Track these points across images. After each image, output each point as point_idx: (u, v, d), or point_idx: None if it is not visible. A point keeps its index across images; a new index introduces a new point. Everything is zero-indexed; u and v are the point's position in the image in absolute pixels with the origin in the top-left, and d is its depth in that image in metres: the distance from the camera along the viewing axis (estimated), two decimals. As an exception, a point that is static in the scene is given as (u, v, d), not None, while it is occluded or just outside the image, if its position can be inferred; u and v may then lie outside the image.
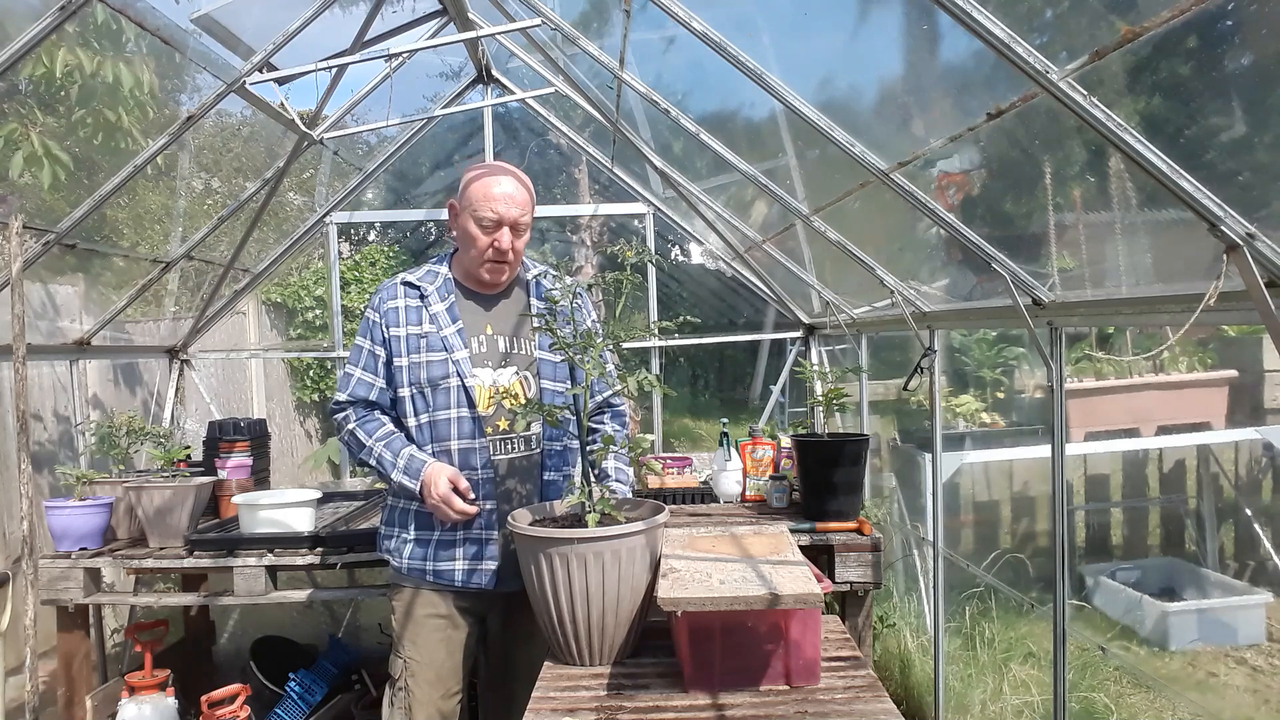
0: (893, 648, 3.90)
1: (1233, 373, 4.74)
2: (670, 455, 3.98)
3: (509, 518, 2.02)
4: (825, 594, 1.78)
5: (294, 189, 5.21)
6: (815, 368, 4.40)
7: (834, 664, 1.90)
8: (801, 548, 2.11)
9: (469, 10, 3.24)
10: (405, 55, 3.50)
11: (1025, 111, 1.74)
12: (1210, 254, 1.49)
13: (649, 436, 4.66)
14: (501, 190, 2.20)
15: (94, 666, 3.21)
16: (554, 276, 2.36)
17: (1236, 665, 4.09)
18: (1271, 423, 4.85)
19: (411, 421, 2.24)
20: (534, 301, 2.36)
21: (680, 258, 7.28)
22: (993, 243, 2.21)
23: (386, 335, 2.26)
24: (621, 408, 2.49)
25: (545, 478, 2.29)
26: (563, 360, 2.19)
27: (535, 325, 2.27)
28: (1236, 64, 1.43)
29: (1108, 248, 2.08)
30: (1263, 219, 1.43)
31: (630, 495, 2.28)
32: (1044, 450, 2.43)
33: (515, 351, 2.31)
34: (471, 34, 3.17)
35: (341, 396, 2.29)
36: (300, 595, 3.11)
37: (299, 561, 2.95)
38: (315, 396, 7.02)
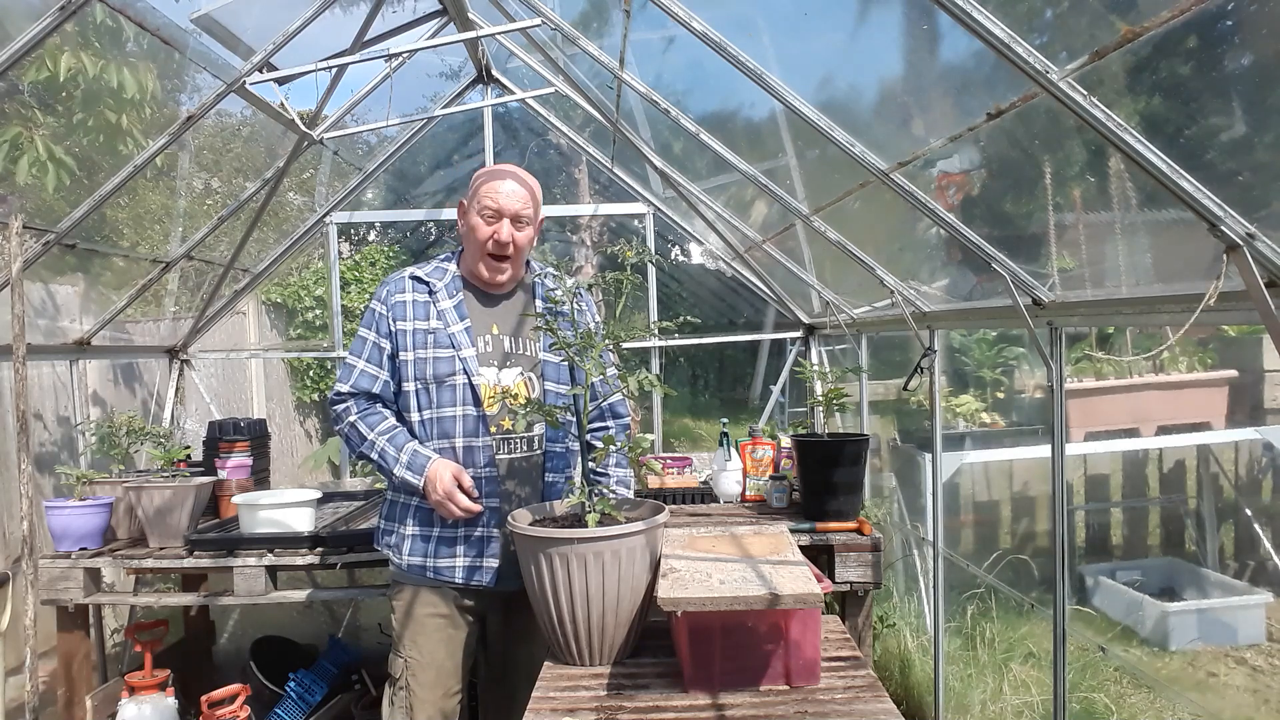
0: (893, 648, 3.89)
1: (1233, 373, 4.74)
2: (670, 455, 3.98)
3: (509, 517, 2.02)
4: (825, 594, 1.78)
5: (294, 189, 5.20)
6: (815, 368, 4.40)
7: (834, 664, 1.90)
8: (801, 548, 2.11)
9: (469, 10, 3.24)
10: (405, 55, 3.50)
11: (1025, 111, 1.74)
12: (1210, 254, 1.49)
13: (649, 436, 4.66)
14: (504, 185, 2.24)
15: (94, 666, 3.21)
16: (555, 277, 2.36)
17: (1236, 665, 4.09)
18: (1271, 423, 4.85)
19: (415, 416, 2.24)
20: (536, 302, 2.36)
21: (680, 258, 7.28)
22: (993, 243, 2.21)
23: (393, 329, 2.25)
24: (626, 418, 2.49)
25: (547, 479, 2.29)
26: (563, 360, 2.20)
27: (536, 325, 2.27)
28: (1236, 64, 1.43)
29: (1108, 248, 2.08)
30: (1263, 219, 1.43)
31: (631, 488, 2.28)
32: (1044, 450, 2.43)
33: (520, 352, 2.31)
34: (471, 34, 3.17)
35: (343, 388, 2.26)
36: (300, 595, 3.11)
37: (299, 561, 2.95)
38: (315, 396, 7.02)
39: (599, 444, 2.12)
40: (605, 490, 2.12)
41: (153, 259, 3.80)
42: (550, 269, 2.45)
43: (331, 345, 4.70)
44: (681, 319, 2.14)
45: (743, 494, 3.36)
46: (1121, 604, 4.51)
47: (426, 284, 2.29)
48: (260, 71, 2.71)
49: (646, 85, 2.79)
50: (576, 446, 2.25)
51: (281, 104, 2.94)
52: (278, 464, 5.11)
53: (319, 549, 2.96)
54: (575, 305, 2.26)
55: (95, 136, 3.02)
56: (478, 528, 2.22)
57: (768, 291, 4.54)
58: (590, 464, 2.18)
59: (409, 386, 2.24)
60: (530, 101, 4.25)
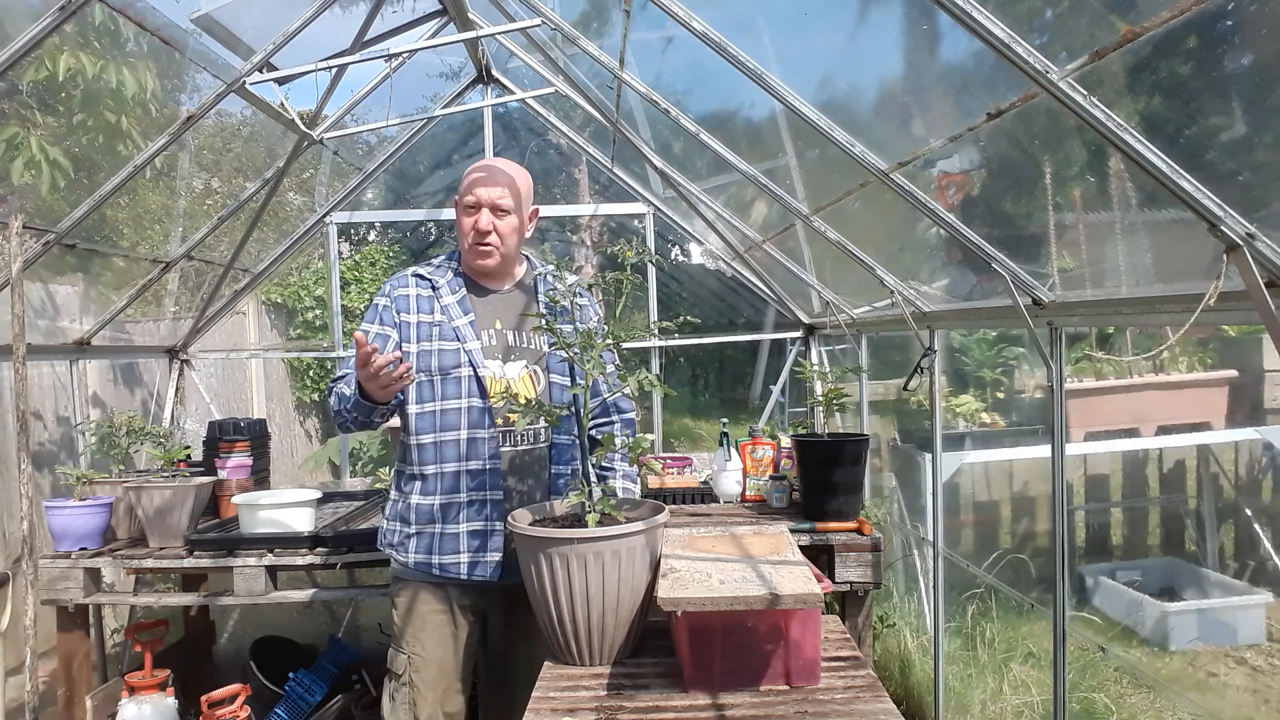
0: (893, 648, 3.89)
1: (1233, 373, 4.73)
2: (670, 455, 3.98)
3: (509, 517, 2.02)
4: (825, 594, 1.78)
5: (294, 189, 5.20)
6: (815, 368, 4.40)
7: (834, 664, 1.90)
8: (801, 548, 2.11)
9: (469, 10, 3.24)
10: (405, 55, 3.50)
11: (1025, 111, 1.74)
12: (1210, 254, 1.49)
13: (649, 436, 4.66)
14: (482, 174, 2.26)
15: (94, 666, 3.21)
16: (554, 276, 2.37)
17: (1236, 665, 4.09)
18: (1271, 423, 4.85)
19: (414, 409, 2.24)
20: (540, 299, 2.36)
21: (680, 258, 7.27)
22: (993, 243, 2.21)
23: (398, 319, 2.26)
24: (630, 415, 2.49)
25: (553, 470, 2.30)
26: (564, 360, 2.20)
27: (535, 326, 2.28)
28: (1236, 64, 1.43)
29: (1108, 248, 2.08)
30: (1263, 219, 1.43)
31: (637, 485, 2.28)
32: (1044, 450, 2.43)
33: (524, 346, 2.32)
34: (471, 34, 3.17)
35: (340, 376, 2.24)
36: (300, 595, 3.11)
37: (299, 561, 2.95)
38: (315, 396, 7.02)
39: (600, 440, 2.12)
40: (612, 483, 2.11)
41: (153, 259, 3.80)
42: (550, 268, 2.46)
43: (331, 345, 4.70)
44: (681, 319, 2.14)
45: (743, 494, 3.36)
46: (1121, 604, 4.51)
47: (429, 280, 2.32)
48: (260, 71, 2.71)
49: (646, 85, 2.79)
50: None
51: (281, 104, 2.94)
52: (278, 464, 5.11)
53: (319, 549, 2.96)
54: (575, 304, 2.26)
55: (95, 137, 3.02)
56: (482, 521, 2.22)
57: (768, 291, 4.54)
58: (593, 460, 2.18)
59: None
60: (530, 101, 4.25)
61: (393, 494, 2.36)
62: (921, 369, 3.04)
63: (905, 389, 3.17)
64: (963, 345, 5.61)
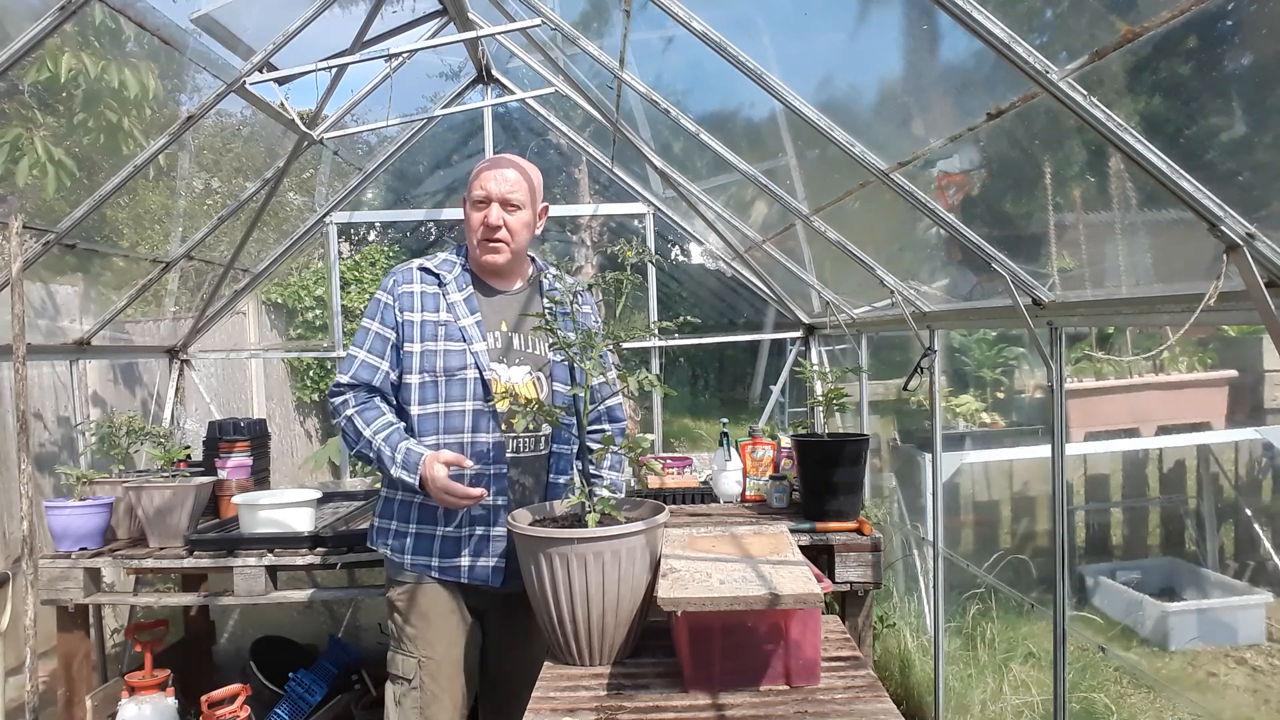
0: (893, 648, 3.89)
1: (1233, 373, 4.74)
2: (670, 455, 3.98)
3: (509, 517, 2.02)
4: (825, 594, 1.78)
5: (294, 189, 5.20)
6: (815, 368, 4.40)
7: (834, 664, 1.90)
8: (801, 548, 2.11)
9: (469, 10, 3.24)
10: (405, 55, 3.50)
11: (1025, 111, 1.74)
12: (1210, 254, 1.49)
13: (649, 436, 4.66)
14: (492, 169, 2.24)
15: (94, 666, 3.21)
16: (555, 276, 2.36)
17: (1236, 665, 4.09)
18: (1271, 423, 4.85)
19: (416, 410, 2.21)
20: (544, 299, 2.35)
21: (680, 258, 7.27)
22: (992, 243, 2.21)
23: (399, 319, 2.22)
24: (623, 422, 2.49)
25: (550, 480, 2.29)
26: (563, 360, 2.20)
27: (536, 325, 2.27)
28: (1236, 64, 1.43)
29: (1108, 248, 2.08)
30: (1263, 219, 1.43)
31: (622, 495, 2.28)
32: (1044, 450, 2.43)
33: (529, 350, 2.30)
34: (471, 34, 3.17)
35: (343, 379, 2.23)
36: (300, 595, 3.11)
37: (299, 561, 2.95)
38: (315, 396, 7.02)
39: (597, 445, 2.12)
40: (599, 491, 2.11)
41: (153, 259, 3.80)
42: (551, 267, 2.45)
43: (331, 345, 4.70)
44: (681, 319, 2.14)
45: (743, 494, 3.36)
46: (1121, 604, 4.51)
47: (436, 276, 2.27)
48: (260, 71, 2.71)
49: (646, 85, 2.79)
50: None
51: (281, 104, 2.94)
52: (278, 464, 5.11)
53: (319, 549, 2.96)
54: (574, 306, 2.25)
55: (95, 137, 3.01)
56: (483, 525, 2.21)
57: (768, 291, 4.54)
58: (588, 465, 2.18)
59: (413, 379, 2.21)
60: (530, 101, 4.25)
61: (384, 490, 2.32)
62: (921, 369, 3.04)
63: (905, 389, 3.17)
64: (963, 345, 5.61)
